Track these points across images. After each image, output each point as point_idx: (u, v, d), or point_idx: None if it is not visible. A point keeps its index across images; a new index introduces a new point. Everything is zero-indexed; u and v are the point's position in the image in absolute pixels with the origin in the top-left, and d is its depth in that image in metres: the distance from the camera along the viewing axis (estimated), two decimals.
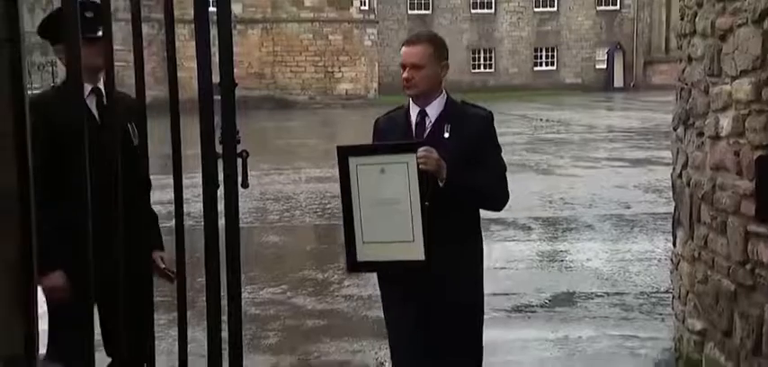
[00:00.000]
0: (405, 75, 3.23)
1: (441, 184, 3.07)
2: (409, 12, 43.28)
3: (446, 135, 3.19)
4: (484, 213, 3.42)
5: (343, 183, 3.15)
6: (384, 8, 40.49)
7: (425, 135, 3.21)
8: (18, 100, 2.56)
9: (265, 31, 34.23)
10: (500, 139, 3.42)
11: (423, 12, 43.47)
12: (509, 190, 3.32)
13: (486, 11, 44.15)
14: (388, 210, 3.09)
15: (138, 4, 2.86)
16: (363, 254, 3.16)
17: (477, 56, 44.22)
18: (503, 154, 3.35)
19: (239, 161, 2.79)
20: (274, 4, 34.26)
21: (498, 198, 3.31)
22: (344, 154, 3.14)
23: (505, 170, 3.33)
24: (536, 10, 44.40)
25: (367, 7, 36.01)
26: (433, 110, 3.24)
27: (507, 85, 42.73)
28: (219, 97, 2.68)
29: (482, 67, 44.36)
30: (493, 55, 44.36)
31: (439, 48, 3.24)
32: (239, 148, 2.78)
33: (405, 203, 3.07)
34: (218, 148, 2.77)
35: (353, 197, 3.13)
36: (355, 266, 3.21)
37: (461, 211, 3.22)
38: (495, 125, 3.38)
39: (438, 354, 3.25)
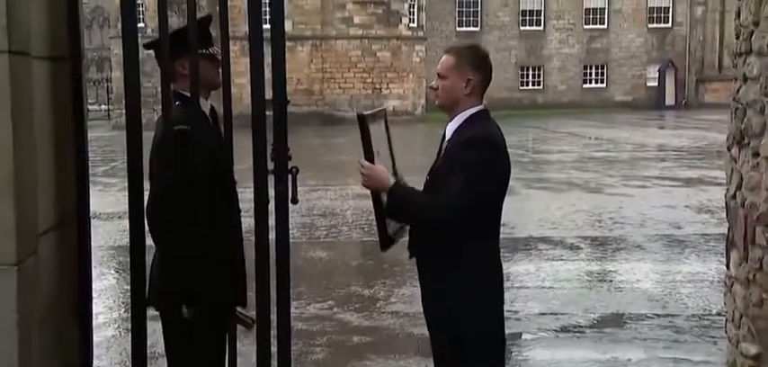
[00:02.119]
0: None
1: (384, 199, 3.02)
2: (458, 29, 43.23)
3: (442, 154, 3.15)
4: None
5: (367, 147, 3.12)
6: (432, 25, 40.54)
7: (438, 151, 3.21)
8: (79, 116, 2.65)
9: (315, 47, 34.61)
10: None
11: (471, 29, 43.38)
12: (454, 214, 2.99)
13: (535, 28, 43.89)
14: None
15: (227, 23, 2.93)
16: (390, 226, 3.19)
17: (525, 73, 43.94)
18: (465, 178, 2.99)
19: (289, 177, 2.84)
20: (324, 20, 34.62)
21: (429, 221, 3.05)
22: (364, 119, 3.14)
23: (459, 194, 2.97)
24: (586, 27, 43.97)
25: (415, 24, 36.14)
26: (452, 125, 3.15)
27: (556, 103, 42.35)
28: (270, 113, 2.73)
29: (531, 84, 44.07)
30: (542, 72, 44.04)
31: (464, 61, 3.10)
32: (290, 165, 2.82)
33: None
34: (269, 165, 2.82)
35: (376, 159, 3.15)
36: (387, 241, 3.19)
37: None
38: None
39: None
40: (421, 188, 3.16)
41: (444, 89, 3.13)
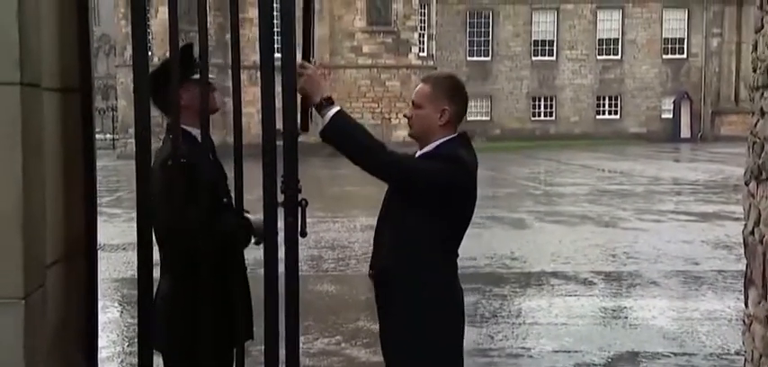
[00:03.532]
0: None
1: (314, 109, 2.97)
2: (468, 58, 43.43)
3: None
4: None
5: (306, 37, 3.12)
6: (443, 55, 40.78)
7: None
8: (88, 148, 2.68)
9: (323, 76, 34.84)
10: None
11: (482, 58, 43.58)
12: (395, 170, 3.07)
13: (547, 58, 44.03)
14: None
15: (238, 51, 2.96)
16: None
17: (537, 103, 44.00)
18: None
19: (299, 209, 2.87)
20: (332, 49, 34.91)
21: (367, 159, 3.00)
22: None
23: (410, 162, 3.11)
24: (599, 57, 44.10)
25: (425, 53, 36.40)
26: (419, 153, 3.18)
27: (569, 134, 42.38)
28: (280, 143, 2.75)
29: (543, 114, 44.12)
30: (554, 103, 44.10)
31: (440, 91, 3.12)
32: (299, 197, 2.84)
33: None
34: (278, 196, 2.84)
35: None
36: (306, 126, 3.11)
37: (400, 220, 3.10)
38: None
39: None
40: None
41: (418, 118, 3.15)
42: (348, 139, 3.00)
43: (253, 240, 3.19)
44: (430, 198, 3.05)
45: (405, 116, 3.28)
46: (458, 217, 3.14)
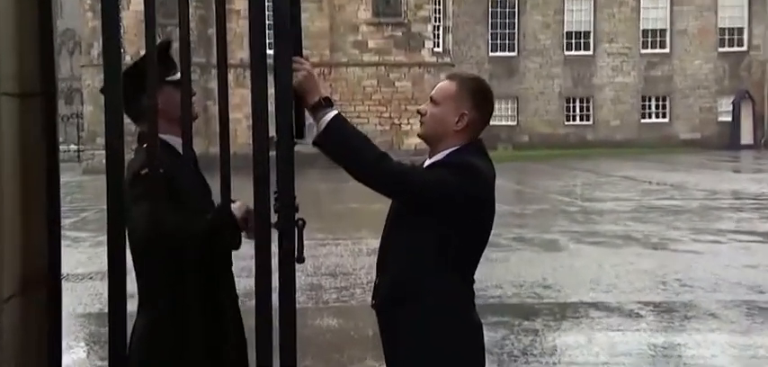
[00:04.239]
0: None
1: (308, 113, 2.97)
2: (491, 53, 43.58)
3: None
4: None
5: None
6: (461, 50, 40.91)
7: None
8: (51, 162, 2.69)
9: (322, 76, 34.91)
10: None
11: (507, 54, 43.70)
12: (396, 182, 3.08)
13: (582, 53, 44.10)
14: None
15: (225, 48, 2.97)
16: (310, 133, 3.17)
17: (572, 105, 44.07)
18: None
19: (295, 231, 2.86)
20: (333, 45, 35.03)
21: (371, 167, 3.03)
22: None
23: (417, 173, 3.16)
24: (643, 51, 44.16)
25: (441, 49, 36.49)
26: (428, 162, 3.21)
27: (608, 141, 42.38)
28: (273, 153, 2.75)
29: (578, 118, 44.18)
30: (591, 104, 44.14)
31: (465, 92, 3.16)
32: (296, 217, 2.84)
33: None
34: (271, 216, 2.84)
35: None
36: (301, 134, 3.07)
37: (406, 232, 3.12)
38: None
39: None
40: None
41: (433, 117, 3.18)
42: (346, 148, 3.02)
43: (243, 236, 3.14)
44: (439, 214, 3.06)
45: (417, 112, 3.30)
46: (473, 236, 3.15)
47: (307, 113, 2.98)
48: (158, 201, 2.81)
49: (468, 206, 3.08)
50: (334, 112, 2.99)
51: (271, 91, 2.71)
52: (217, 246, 3.10)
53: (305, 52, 2.98)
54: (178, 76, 3.20)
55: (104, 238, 2.73)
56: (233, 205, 3.05)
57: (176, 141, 3.18)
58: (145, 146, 3.04)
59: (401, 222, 3.16)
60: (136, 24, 29.00)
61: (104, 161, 2.64)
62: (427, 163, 3.22)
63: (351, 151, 3.02)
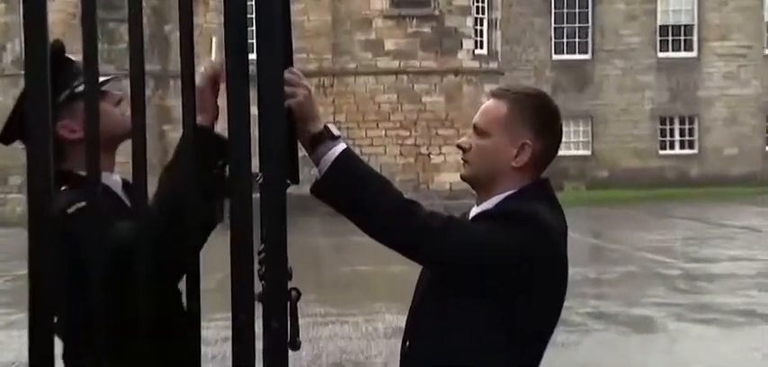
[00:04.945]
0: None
1: (305, 144, 2.99)
2: (554, 57, 43.67)
3: None
4: None
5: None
6: (513, 52, 41.06)
7: None
8: None
9: (321, 88, 34.95)
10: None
11: (576, 56, 43.78)
12: (431, 243, 3.02)
13: (683, 54, 44.12)
14: None
15: (192, 49, 3.00)
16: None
17: (669, 128, 44.02)
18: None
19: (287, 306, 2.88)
20: (336, 46, 35.13)
21: (396, 222, 2.99)
22: None
23: (458, 241, 3.04)
24: None
25: (485, 50, 36.49)
26: (476, 211, 3.23)
27: (721, 176, 42.35)
28: (257, 196, 2.76)
29: (677, 145, 44.14)
30: (696, 126, 44.09)
31: (522, 114, 3.17)
32: (288, 285, 2.85)
33: None
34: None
35: None
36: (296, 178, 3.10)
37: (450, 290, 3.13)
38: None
39: None
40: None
41: (480, 152, 3.18)
42: (358, 196, 2.99)
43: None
44: (490, 285, 3.06)
45: (458, 147, 3.28)
46: (537, 314, 3.14)
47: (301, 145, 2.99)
48: (105, 223, 2.80)
49: (531, 276, 3.06)
50: (342, 147, 2.97)
51: (253, 110, 2.72)
52: (201, 179, 3.00)
53: (300, 57, 3.01)
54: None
55: (21, 317, 2.74)
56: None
57: (114, 181, 3.23)
58: (63, 188, 3.07)
59: (437, 293, 3.16)
60: (62, 21, 29.22)
61: (19, 209, 2.65)
62: (473, 213, 3.22)
63: (365, 200, 3.00)
